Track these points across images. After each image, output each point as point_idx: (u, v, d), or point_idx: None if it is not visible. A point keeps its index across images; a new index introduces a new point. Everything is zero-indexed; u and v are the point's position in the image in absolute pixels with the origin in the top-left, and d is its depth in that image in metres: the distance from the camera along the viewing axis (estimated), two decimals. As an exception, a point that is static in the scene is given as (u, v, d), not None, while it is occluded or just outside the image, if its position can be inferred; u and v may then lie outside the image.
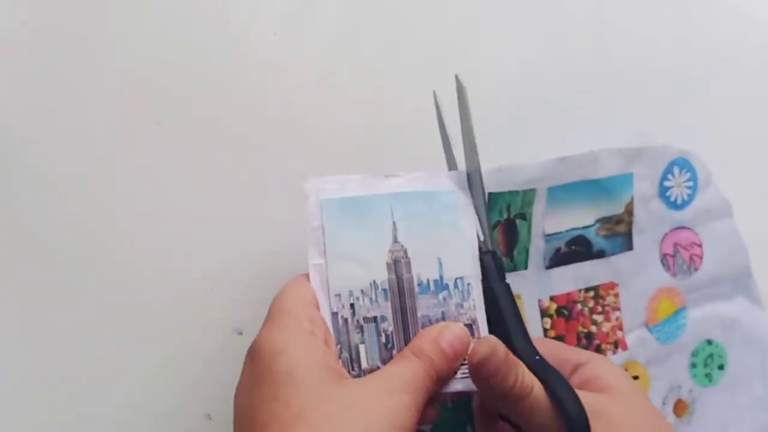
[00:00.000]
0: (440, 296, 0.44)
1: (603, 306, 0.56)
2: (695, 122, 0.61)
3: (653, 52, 0.62)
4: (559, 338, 0.54)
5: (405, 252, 0.45)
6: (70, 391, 0.50)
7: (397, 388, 0.39)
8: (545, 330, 0.54)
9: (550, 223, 0.53)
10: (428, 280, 0.45)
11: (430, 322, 0.44)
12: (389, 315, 0.44)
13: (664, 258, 0.58)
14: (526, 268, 0.53)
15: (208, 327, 0.52)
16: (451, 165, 0.49)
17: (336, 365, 0.41)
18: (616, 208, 0.55)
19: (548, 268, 0.54)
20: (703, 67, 0.64)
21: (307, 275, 0.44)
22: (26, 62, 0.51)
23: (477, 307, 0.45)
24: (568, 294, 0.54)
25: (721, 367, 0.60)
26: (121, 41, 0.52)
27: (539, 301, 0.54)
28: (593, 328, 0.55)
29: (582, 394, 0.41)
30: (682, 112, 0.62)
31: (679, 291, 0.58)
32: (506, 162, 0.51)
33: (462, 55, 0.58)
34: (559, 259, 0.54)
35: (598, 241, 0.55)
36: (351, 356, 0.43)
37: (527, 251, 0.53)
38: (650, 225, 0.57)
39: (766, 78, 0.67)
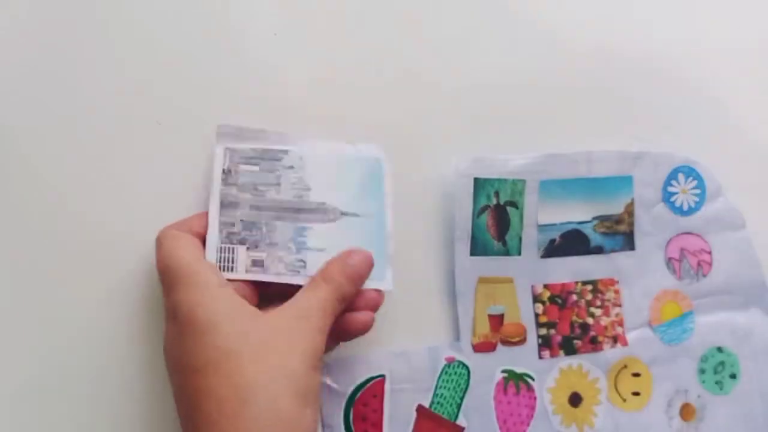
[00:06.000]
0: (290, 246, 0.51)
1: (602, 300, 0.58)
2: (705, 131, 0.62)
3: (656, 56, 0.63)
4: (552, 324, 0.57)
5: (334, 218, 0.52)
6: (70, 392, 0.51)
7: (308, 315, 0.46)
8: (537, 315, 0.56)
9: (543, 214, 0.57)
10: (304, 239, 0.51)
11: (270, 231, 0.50)
12: (282, 198, 0.51)
13: (669, 261, 0.59)
14: (519, 254, 0.56)
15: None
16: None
17: (249, 307, 0.46)
18: (615, 208, 0.58)
19: (543, 257, 0.57)
20: (711, 73, 0.64)
21: (187, 238, 0.49)
22: (26, 62, 0.53)
23: (285, 276, 0.50)
24: (564, 284, 0.57)
25: (733, 377, 0.59)
26: (121, 41, 0.54)
27: (532, 286, 0.57)
28: (590, 320, 0.57)
29: None
30: (689, 120, 0.62)
31: (686, 295, 0.59)
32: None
33: (461, 54, 0.59)
34: (553, 249, 0.57)
35: (596, 237, 0.58)
36: (244, 154, 0.52)
37: (520, 238, 0.56)
38: (654, 228, 0.59)
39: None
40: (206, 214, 0.50)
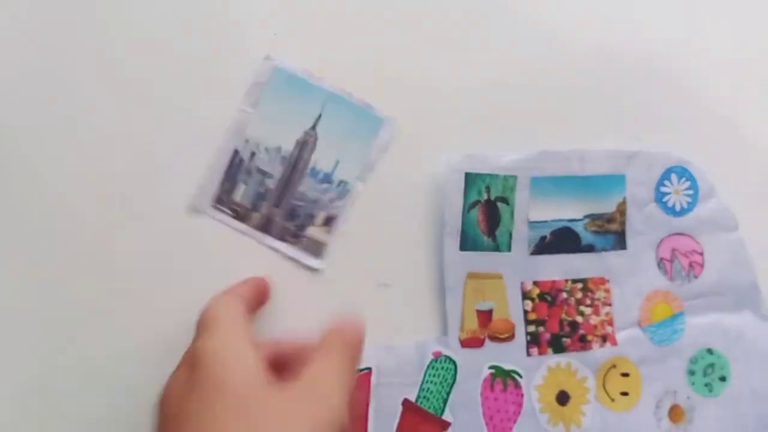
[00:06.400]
0: (323, 186, 0.56)
1: (592, 299, 0.58)
2: (700, 132, 0.62)
3: (656, 56, 0.62)
4: (541, 322, 0.57)
5: (315, 139, 0.56)
6: (70, 392, 0.52)
7: (322, 394, 0.42)
8: (526, 312, 0.57)
9: (534, 211, 0.57)
10: (321, 170, 0.56)
11: (303, 199, 0.55)
12: (276, 176, 0.55)
13: (660, 262, 0.59)
14: (509, 250, 0.57)
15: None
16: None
17: (267, 374, 0.42)
18: (607, 207, 0.58)
19: (533, 254, 0.58)
20: (710, 73, 0.63)
21: (233, 297, 0.48)
22: (26, 62, 0.54)
23: (344, 207, 0.56)
24: (554, 281, 0.58)
25: (722, 379, 0.59)
26: (121, 41, 0.55)
27: (522, 283, 0.57)
28: (579, 318, 0.58)
29: None
30: (684, 121, 0.62)
31: (677, 296, 0.59)
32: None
33: (461, 54, 0.59)
34: (544, 247, 0.58)
35: (587, 236, 0.58)
36: (225, 189, 0.55)
37: (510, 234, 0.57)
38: (646, 228, 0.59)
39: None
40: (255, 280, 0.53)
